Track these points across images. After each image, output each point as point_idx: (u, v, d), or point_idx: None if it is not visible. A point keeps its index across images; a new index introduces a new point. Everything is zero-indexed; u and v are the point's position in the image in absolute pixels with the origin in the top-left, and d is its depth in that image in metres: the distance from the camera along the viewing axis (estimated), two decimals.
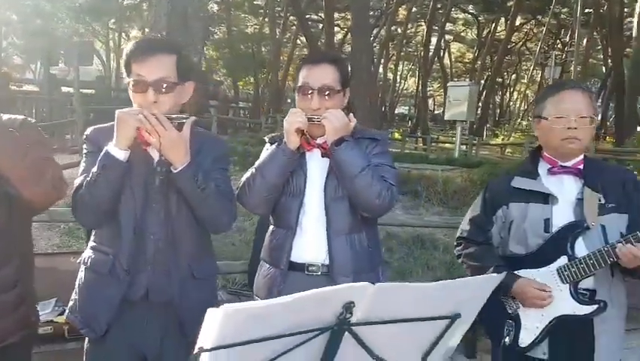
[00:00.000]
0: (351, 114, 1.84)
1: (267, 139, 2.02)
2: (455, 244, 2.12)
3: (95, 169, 1.64)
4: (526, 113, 42.44)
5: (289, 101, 34.04)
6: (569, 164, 1.88)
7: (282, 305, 0.87)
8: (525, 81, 36.66)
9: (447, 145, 21.29)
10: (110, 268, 1.72)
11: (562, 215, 1.83)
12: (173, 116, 1.67)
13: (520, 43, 36.96)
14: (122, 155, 1.63)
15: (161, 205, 1.73)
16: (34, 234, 5.52)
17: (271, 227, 2.00)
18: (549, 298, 1.79)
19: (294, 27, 28.39)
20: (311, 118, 1.80)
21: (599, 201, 1.80)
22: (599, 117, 32.97)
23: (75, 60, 11.41)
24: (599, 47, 30.62)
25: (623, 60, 22.46)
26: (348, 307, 0.93)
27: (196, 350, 0.87)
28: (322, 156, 1.85)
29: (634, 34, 21.30)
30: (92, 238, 1.82)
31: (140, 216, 1.71)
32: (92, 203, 1.66)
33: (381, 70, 32.18)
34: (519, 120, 33.95)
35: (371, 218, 1.92)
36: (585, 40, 25.41)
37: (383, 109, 33.05)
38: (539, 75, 31.42)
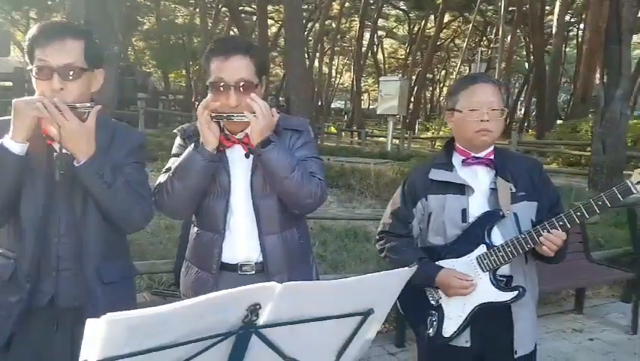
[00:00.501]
0: (273, 109, 1.71)
1: (177, 132, 1.85)
2: (377, 238, 2.11)
3: None
4: None
5: None
6: (481, 155, 1.91)
7: (177, 311, 0.80)
8: (454, 77, 37.98)
9: (381, 139, 21.71)
10: (11, 274, 1.57)
11: (478, 205, 1.87)
12: (77, 104, 1.53)
13: (449, 39, 38.24)
14: (18, 148, 1.48)
15: (66, 203, 1.59)
16: None
17: (195, 229, 1.85)
18: (471, 287, 1.82)
19: (227, 18, 27.87)
20: (230, 116, 1.65)
21: (511, 190, 1.85)
22: (523, 111, 34.60)
23: None
24: (523, 44, 32.24)
25: (543, 57, 23.75)
26: (254, 309, 0.88)
27: None
28: (246, 156, 1.73)
29: (554, 32, 22.60)
30: None
31: (43, 216, 1.57)
32: None
33: (317, 64, 32.23)
34: None
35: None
36: (509, 37, 26.62)
37: (320, 103, 33.18)
38: (467, 71, 32.62)
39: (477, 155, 1.91)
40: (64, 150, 1.52)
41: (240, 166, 1.76)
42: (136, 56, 32.01)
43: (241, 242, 1.77)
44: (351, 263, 5.16)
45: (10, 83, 18.61)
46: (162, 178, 1.75)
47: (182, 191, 1.70)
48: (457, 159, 1.95)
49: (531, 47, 26.97)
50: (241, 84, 1.66)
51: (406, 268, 1.00)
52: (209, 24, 25.93)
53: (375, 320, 1.06)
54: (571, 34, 31.14)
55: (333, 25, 32.15)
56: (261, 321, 0.90)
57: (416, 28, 35.65)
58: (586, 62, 18.22)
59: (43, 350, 1.61)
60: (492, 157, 1.91)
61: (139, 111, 14.58)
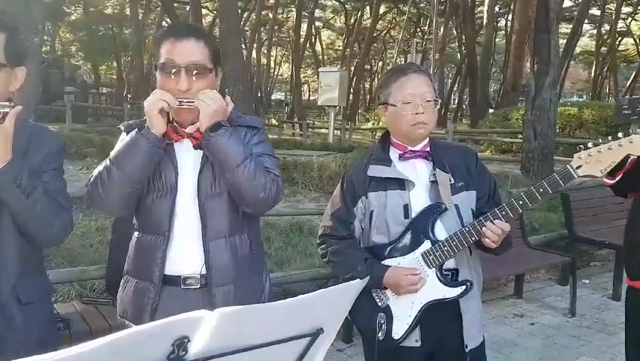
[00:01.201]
0: (228, 97, 1.59)
1: (122, 127, 1.68)
2: (319, 242, 1.98)
3: None
4: None
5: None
6: (417, 148, 1.86)
7: (83, 355, 0.64)
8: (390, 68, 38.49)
9: (323, 130, 21.69)
10: None
11: (419, 199, 1.81)
12: None
13: (385, 31, 38.76)
14: None
15: None
16: None
17: (135, 234, 1.68)
18: (421, 282, 1.75)
19: (159, 8, 26.87)
20: (180, 101, 1.51)
21: (450, 181, 1.80)
22: (456, 102, 35.98)
23: None
24: (455, 36, 33.17)
25: (475, 47, 24.50)
26: (181, 343, 0.74)
27: None
28: (195, 148, 1.58)
29: (485, 23, 23.34)
30: None
31: None
32: None
33: (255, 55, 31.75)
34: None
35: (254, 215, 1.69)
36: (442, 29, 27.28)
37: (259, 95, 32.74)
38: (403, 62, 33.19)
39: (414, 148, 1.85)
40: None
41: (188, 163, 1.61)
42: (63, 48, 30.37)
43: (186, 250, 1.60)
44: (296, 258, 5.06)
45: None
46: (98, 168, 1.57)
47: (121, 180, 1.51)
48: (394, 154, 1.88)
49: (463, 38, 27.78)
50: (193, 69, 1.53)
51: (358, 280, 0.89)
52: (140, 14, 24.89)
53: (326, 339, 0.95)
54: (499, 24, 32.35)
55: (270, 15, 31.78)
56: (191, 355, 0.76)
57: (353, 20, 35.85)
58: (515, 52, 18.87)
59: None
60: (428, 149, 1.86)
61: (66, 106, 13.78)
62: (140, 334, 0.68)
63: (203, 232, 1.59)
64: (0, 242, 1.43)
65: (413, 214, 1.79)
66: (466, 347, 1.80)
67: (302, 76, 37.16)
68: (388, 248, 1.82)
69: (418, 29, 36.35)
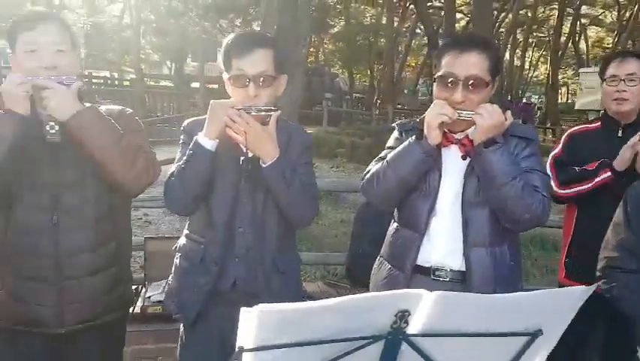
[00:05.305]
0: (508, 112, 1.58)
1: (396, 126, 1.85)
2: (598, 274, 1.74)
3: (184, 157, 1.69)
4: None
5: (405, 91, 33.47)
6: None
7: (324, 309, 0.80)
8: None
9: None
10: (201, 258, 1.74)
11: None
12: (262, 107, 1.65)
13: None
14: (209, 144, 1.64)
15: (250, 199, 1.73)
16: (156, 219, 5.89)
17: (395, 224, 1.82)
18: None
19: (414, 16, 27.75)
20: (459, 113, 1.57)
21: None
22: None
23: (200, 57, 12.14)
24: None
25: None
26: (403, 315, 0.84)
27: (237, 349, 0.83)
28: (463, 158, 1.64)
29: None
30: (187, 226, 1.86)
31: (231, 210, 1.72)
32: (179, 190, 1.70)
33: (508, 57, 30.23)
34: None
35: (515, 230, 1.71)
36: None
37: (509, 98, 31.14)
38: None
39: None
40: (250, 154, 1.66)
41: (453, 168, 1.69)
42: (326, 58, 33.76)
43: (439, 247, 1.69)
44: (535, 273, 4.76)
45: (216, 86, 21.22)
46: (375, 166, 1.76)
47: (393, 180, 1.68)
48: None
49: None
50: (470, 83, 1.61)
51: (583, 286, 0.86)
52: (396, 22, 26.07)
53: (545, 344, 0.94)
54: None
55: (529, 14, 29.87)
56: (412, 329, 0.86)
57: (628, 14, 31.22)
58: None
59: (225, 330, 1.70)
60: None
61: (324, 110, 15.34)
62: (369, 300, 0.80)
63: (465, 238, 1.65)
64: (266, 221, 1.75)
65: None
66: None
67: (560, 77, 34.04)
68: None
69: None
